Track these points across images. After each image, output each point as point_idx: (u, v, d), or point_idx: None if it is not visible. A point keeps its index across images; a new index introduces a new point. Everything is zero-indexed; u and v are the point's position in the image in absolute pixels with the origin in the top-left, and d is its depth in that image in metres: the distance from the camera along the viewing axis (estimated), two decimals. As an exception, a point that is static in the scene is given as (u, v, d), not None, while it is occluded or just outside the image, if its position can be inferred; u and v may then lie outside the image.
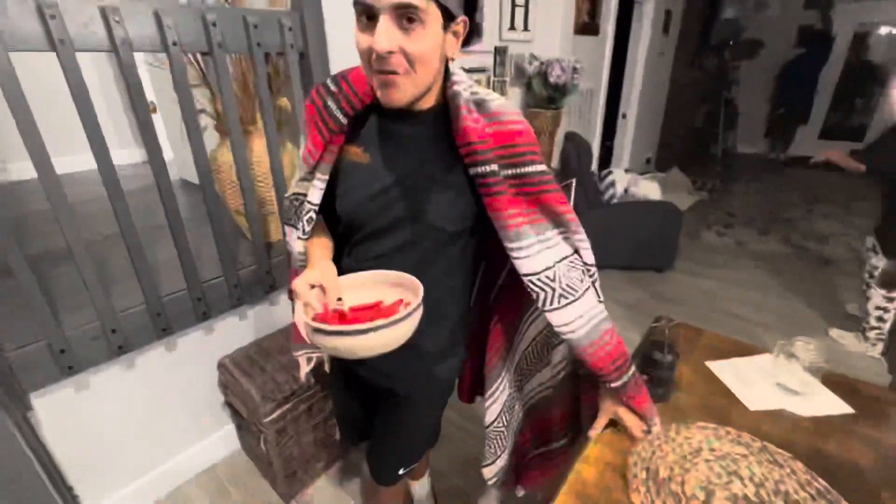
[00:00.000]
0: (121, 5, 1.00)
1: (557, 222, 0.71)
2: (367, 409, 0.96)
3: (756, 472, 0.70)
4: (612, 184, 2.87)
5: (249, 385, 1.29)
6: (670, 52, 4.58)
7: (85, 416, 1.22)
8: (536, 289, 0.69)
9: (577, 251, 0.74)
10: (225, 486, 1.48)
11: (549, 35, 2.64)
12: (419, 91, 0.62)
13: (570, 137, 2.82)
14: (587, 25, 2.95)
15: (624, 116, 4.26)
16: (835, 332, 2.16)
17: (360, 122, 0.72)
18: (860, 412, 0.83)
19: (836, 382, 0.90)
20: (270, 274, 1.51)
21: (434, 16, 0.56)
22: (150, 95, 2.25)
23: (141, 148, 3.46)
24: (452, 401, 0.97)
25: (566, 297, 0.70)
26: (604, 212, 2.70)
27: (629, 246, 2.67)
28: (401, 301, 0.68)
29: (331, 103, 0.68)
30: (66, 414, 1.18)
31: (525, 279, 0.69)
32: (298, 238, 0.77)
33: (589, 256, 0.74)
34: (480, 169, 0.65)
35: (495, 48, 2.33)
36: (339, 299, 0.67)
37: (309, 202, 0.74)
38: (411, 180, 0.69)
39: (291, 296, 0.85)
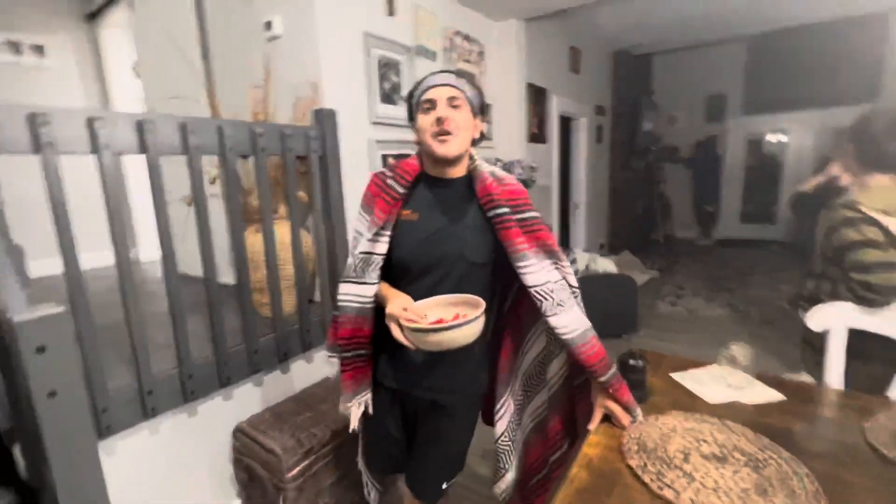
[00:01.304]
0: (189, 121, 1.31)
1: (549, 253, 1.00)
2: (408, 433, 1.12)
3: (718, 438, 0.91)
4: (575, 261, 3.27)
5: (271, 442, 1.37)
6: (605, 157, 5.45)
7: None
8: (540, 297, 0.94)
9: (564, 278, 1.01)
10: (232, 567, 1.43)
11: (508, 142, 3.22)
12: (462, 149, 0.94)
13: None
14: (536, 135, 3.60)
15: (576, 208, 4.89)
16: (786, 375, 2.44)
17: (409, 194, 1.01)
18: (789, 397, 1.07)
19: (769, 379, 1.15)
20: (286, 342, 1.65)
21: (467, 106, 0.94)
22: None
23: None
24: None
25: (561, 306, 0.95)
26: (570, 285, 3.04)
27: (596, 315, 2.94)
28: (462, 315, 0.91)
29: (391, 181, 0.98)
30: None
31: (531, 290, 0.94)
32: (369, 284, 0.98)
33: (573, 281, 1.02)
34: (498, 211, 0.95)
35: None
36: (424, 316, 0.90)
37: (378, 254, 0.97)
38: (448, 227, 0.98)
39: (344, 349, 1.05)
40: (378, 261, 0.98)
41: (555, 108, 3.89)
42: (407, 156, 1.05)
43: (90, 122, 1.12)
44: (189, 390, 1.37)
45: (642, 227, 6.37)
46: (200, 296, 1.44)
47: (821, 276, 1.34)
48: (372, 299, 0.99)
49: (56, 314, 0.76)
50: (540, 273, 0.95)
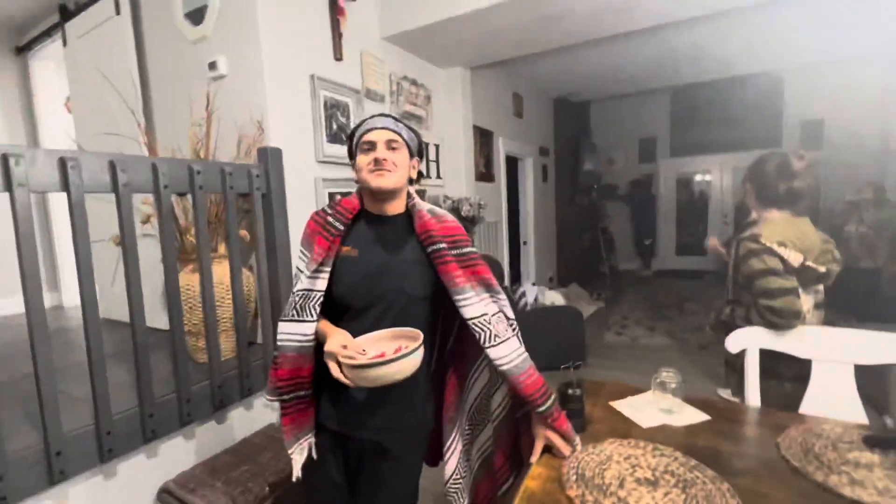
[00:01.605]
0: (119, 158, 1.27)
1: (487, 287, 1.03)
2: (350, 477, 1.08)
3: (651, 462, 0.95)
4: (524, 294, 3.35)
5: (200, 502, 1.25)
6: (551, 194, 5.75)
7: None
8: (478, 329, 0.96)
9: (502, 310, 1.04)
10: None
11: (457, 181, 3.33)
12: (398, 185, 0.99)
13: (484, 259, 3.33)
14: (484, 174, 3.75)
15: (525, 243, 5.07)
16: (720, 391, 2.58)
17: (349, 231, 1.03)
18: (714, 418, 1.14)
19: (696, 402, 1.22)
20: (222, 389, 1.55)
21: (404, 149, 1.01)
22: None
23: (48, 292, 3.30)
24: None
25: (498, 338, 0.97)
26: (520, 317, 3.10)
27: (545, 347, 3.02)
28: (401, 347, 0.92)
29: (331, 219, 1.00)
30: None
31: (469, 322, 0.96)
32: (308, 321, 0.97)
33: (510, 313, 1.05)
34: (436, 246, 0.98)
35: (416, 191, 2.88)
36: (363, 351, 0.90)
37: (318, 290, 0.98)
38: (388, 263, 1.00)
39: (282, 391, 1.01)
40: (318, 297, 0.97)
41: (501, 148, 4.09)
42: (350, 194, 1.07)
43: (4, 159, 1.05)
44: (106, 448, 1.24)
45: (588, 260, 6.68)
46: (128, 343, 1.34)
47: (735, 303, 1.47)
48: (312, 337, 0.98)
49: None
50: (477, 306, 0.98)
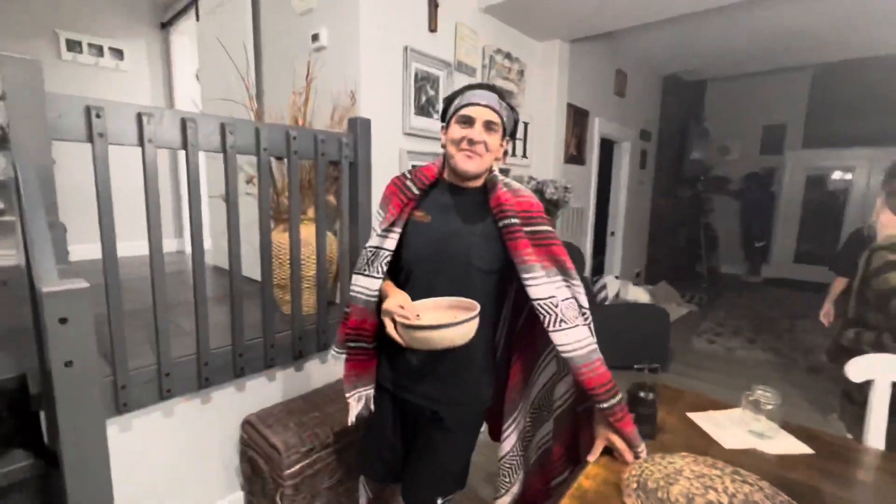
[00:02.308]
0: (228, 121, 1.39)
1: (561, 270, 0.97)
2: (406, 442, 1.12)
3: (729, 487, 0.84)
4: (604, 287, 3.16)
5: (275, 437, 1.39)
6: (648, 183, 5.28)
7: (118, 461, 1.30)
8: (542, 311, 0.91)
9: (575, 297, 0.98)
10: (227, 557, 1.45)
11: (544, 162, 3.19)
12: (484, 168, 0.98)
13: (565, 245, 3.19)
14: (574, 157, 3.55)
15: (612, 234, 4.75)
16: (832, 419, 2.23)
17: (423, 197, 1.04)
18: (818, 452, 0.98)
19: (797, 430, 1.05)
20: (302, 340, 1.69)
21: (500, 130, 0.98)
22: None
23: (174, 238, 3.84)
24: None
25: (565, 323, 0.91)
26: (597, 311, 2.93)
27: (622, 347, 2.83)
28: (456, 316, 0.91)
29: (409, 183, 1.03)
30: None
31: (534, 302, 0.92)
32: (375, 278, 1.02)
33: (584, 301, 0.98)
34: (508, 221, 0.95)
35: (500, 169, 2.82)
36: (418, 315, 0.92)
37: (386, 249, 1.02)
38: (458, 232, 1.00)
39: (348, 339, 1.08)
40: (385, 256, 1.01)
41: (596, 130, 3.83)
42: (431, 164, 1.08)
43: (139, 117, 1.21)
44: (204, 377, 1.42)
45: (684, 259, 6.09)
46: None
47: (862, 325, 1.23)
48: (376, 293, 1.02)
49: (79, 289, 0.81)
50: (546, 287, 0.93)
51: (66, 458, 0.83)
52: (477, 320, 0.87)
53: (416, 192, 1.01)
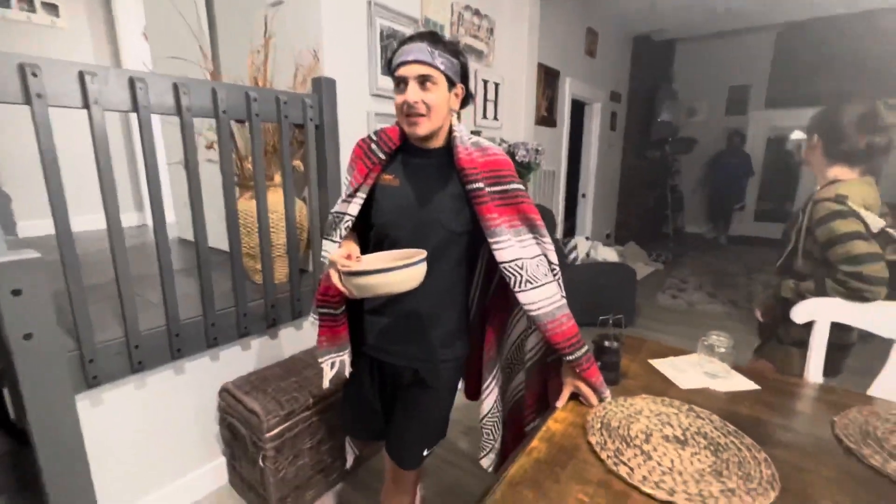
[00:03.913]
0: (182, 81, 1.31)
1: (531, 227, 0.99)
2: (385, 402, 1.15)
3: (683, 422, 0.91)
4: (575, 247, 3.24)
5: (253, 402, 1.40)
6: (618, 145, 5.34)
7: (92, 435, 1.29)
8: (509, 274, 0.94)
9: (545, 254, 1.00)
10: (213, 518, 1.49)
11: (515, 124, 3.16)
12: (434, 127, 0.94)
13: (537, 208, 3.23)
14: (545, 119, 3.54)
15: (583, 196, 4.83)
16: None
17: (390, 160, 1.02)
18: (764, 388, 1.06)
19: (747, 371, 1.14)
20: (275, 308, 1.68)
21: (441, 82, 0.91)
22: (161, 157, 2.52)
23: (135, 212, 3.67)
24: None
25: (531, 283, 0.94)
26: (568, 271, 3.02)
27: (591, 304, 2.95)
28: None
29: (374, 147, 1.00)
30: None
31: (501, 266, 0.94)
32: (335, 242, 1.00)
33: (553, 258, 1.01)
34: (473, 185, 0.94)
35: (471, 131, 2.78)
36: (359, 258, 0.92)
37: (349, 214, 1.00)
38: (427, 195, 0.98)
39: (318, 305, 1.07)
40: (348, 221, 1.00)
41: (567, 91, 3.81)
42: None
43: (81, 76, 1.12)
44: (175, 348, 1.40)
45: (652, 220, 6.28)
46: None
47: (801, 276, 1.32)
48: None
49: (31, 259, 0.78)
50: (511, 250, 0.95)
51: (36, 434, 0.82)
52: (422, 266, 0.84)
53: (382, 156, 0.99)
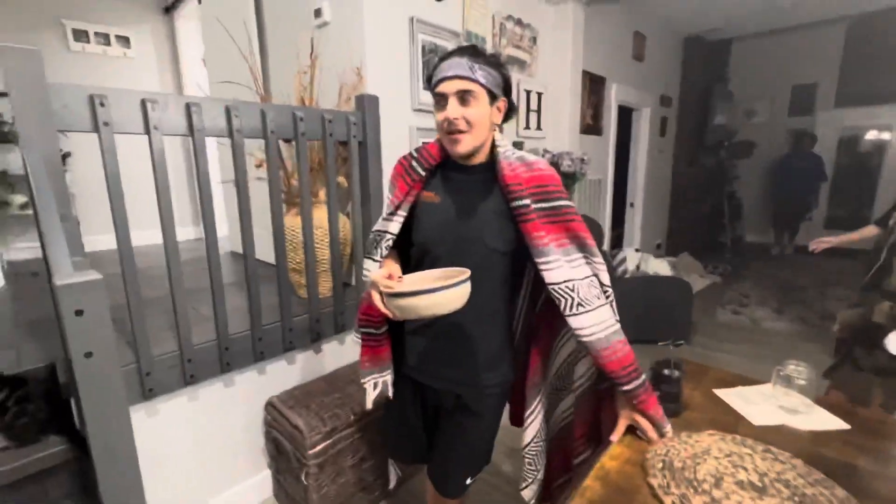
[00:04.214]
0: (233, 104, 1.36)
1: (581, 247, 0.93)
2: (428, 425, 1.12)
3: (759, 465, 0.81)
4: (624, 260, 3.08)
5: (297, 418, 1.41)
6: (669, 151, 5.08)
7: (146, 445, 1.34)
8: (558, 296, 0.88)
9: (596, 275, 0.94)
10: (258, 532, 1.51)
11: (559, 133, 3.08)
12: (476, 144, 0.91)
13: (582, 219, 3.11)
14: (591, 126, 3.42)
15: (632, 205, 4.62)
16: None
17: (431, 177, 0.99)
18: (855, 427, 0.93)
19: (832, 405, 1.01)
20: (319, 323, 1.70)
21: (482, 96, 0.87)
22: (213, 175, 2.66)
23: (192, 226, 3.89)
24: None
25: (583, 307, 0.88)
26: (617, 285, 2.87)
27: (643, 320, 2.78)
28: None
29: (414, 164, 0.98)
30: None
31: (550, 287, 0.88)
32: (376, 261, 0.99)
33: (606, 279, 0.94)
34: (519, 202, 0.90)
35: (513, 143, 2.74)
36: (401, 278, 0.90)
37: (389, 233, 0.98)
38: (469, 212, 0.95)
39: (360, 324, 1.06)
40: (389, 239, 0.98)
41: (613, 97, 3.67)
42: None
43: (143, 104, 1.19)
44: (225, 361, 1.44)
45: (707, 229, 5.90)
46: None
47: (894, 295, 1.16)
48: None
49: (93, 280, 0.81)
50: (560, 271, 0.89)
51: (94, 444, 0.85)
52: (467, 286, 0.81)
53: (423, 173, 0.96)
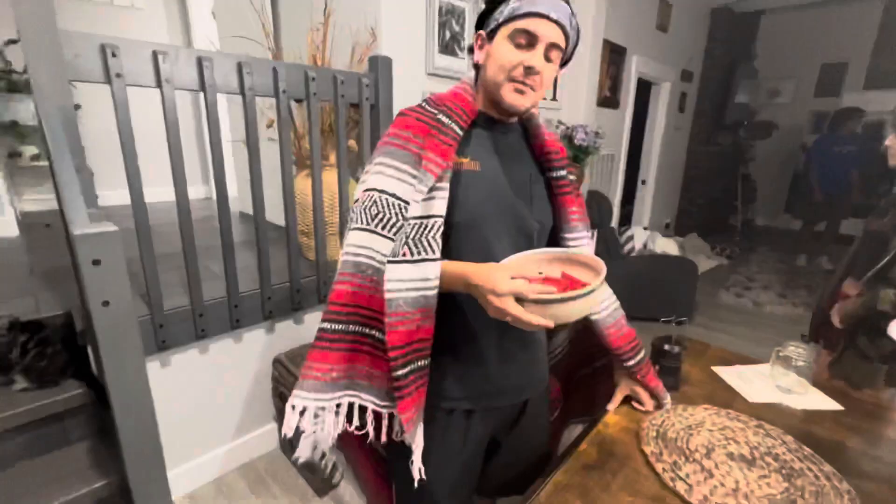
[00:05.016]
0: (245, 60, 1.34)
1: (586, 225, 0.89)
2: (488, 455, 0.91)
3: (751, 439, 0.83)
4: (631, 238, 3.07)
5: (304, 376, 1.46)
6: (686, 128, 4.96)
7: (160, 394, 1.40)
8: None
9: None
10: (265, 478, 1.59)
11: (575, 105, 3.00)
12: (535, 103, 0.77)
13: (593, 195, 3.08)
14: (608, 99, 3.33)
15: (644, 182, 4.55)
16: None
17: (465, 138, 0.78)
18: (848, 409, 0.95)
19: (828, 387, 1.03)
20: (326, 285, 1.72)
21: (559, 57, 0.74)
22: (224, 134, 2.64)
23: (202, 185, 3.90)
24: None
25: None
26: (623, 263, 2.88)
27: (648, 298, 2.80)
28: (566, 274, 0.74)
29: (443, 118, 0.74)
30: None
31: None
32: (430, 261, 0.69)
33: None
34: (558, 172, 0.84)
35: (527, 113, 2.68)
36: (541, 273, 0.74)
37: (437, 216, 0.71)
38: (517, 181, 0.80)
39: (402, 360, 0.68)
40: (438, 226, 0.70)
41: (633, 69, 3.55)
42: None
43: (154, 56, 1.17)
44: (235, 318, 1.48)
45: (718, 210, 5.82)
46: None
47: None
48: (436, 282, 0.69)
49: (110, 231, 0.83)
50: (587, 248, 0.86)
51: (112, 391, 0.89)
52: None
53: (461, 132, 0.74)
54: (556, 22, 0.69)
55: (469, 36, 2.12)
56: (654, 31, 3.75)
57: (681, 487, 0.71)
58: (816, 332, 1.47)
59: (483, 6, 0.78)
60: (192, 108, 3.74)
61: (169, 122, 1.22)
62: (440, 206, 0.72)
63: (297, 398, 0.72)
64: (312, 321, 1.77)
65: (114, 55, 1.10)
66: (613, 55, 3.24)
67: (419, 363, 0.71)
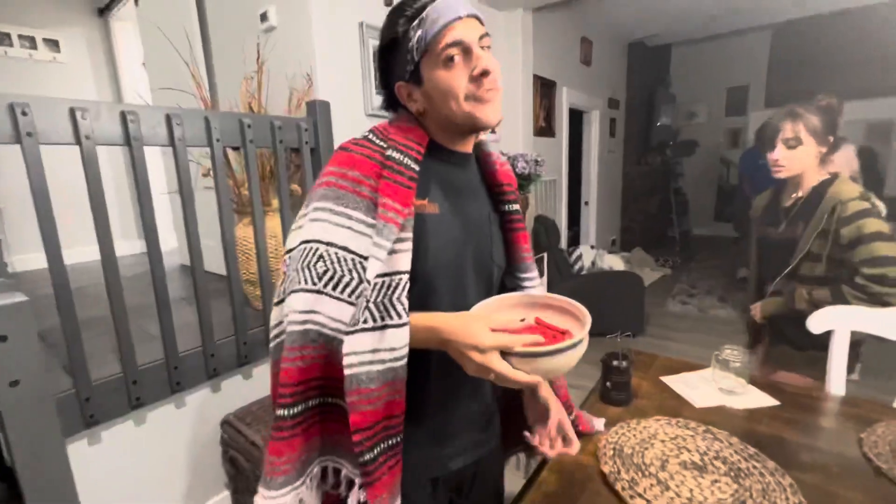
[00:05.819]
0: (174, 112, 1.31)
1: (534, 261, 0.87)
2: None
3: (700, 445, 0.86)
4: (580, 257, 3.20)
5: (255, 434, 1.36)
6: (619, 151, 5.32)
7: (90, 476, 1.26)
8: None
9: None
10: (217, 556, 1.45)
11: (513, 136, 3.16)
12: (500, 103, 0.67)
13: (539, 219, 3.20)
14: (544, 129, 3.53)
15: (587, 203, 4.80)
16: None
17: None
18: (784, 403, 1.01)
19: (765, 385, 1.09)
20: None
21: (490, 41, 0.65)
22: (161, 185, 2.53)
23: (138, 240, 3.68)
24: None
25: None
26: (574, 281, 2.98)
27: (600, 313, 2.89)
28: (541, 320, 0.67)
29: (395, 154, 0.63)
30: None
31: None
32: (398, 326, 0.58)
33: None
34: (511, 206, 0.77)
35: (469, 147, 2.78)
36: (523, 320, 0.66)
37: (402, 272, 0.60)
38: (474, 223, 0.71)
39: (370, 441, 0.58)
40: (404, 284, 0.60)
41: (564, 100, 3.80)
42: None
43: (72, 112, 1.12)
44: (175, 381, 1.37)
45: (657, 224, 6.22)
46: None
47: (813, 279, 1.27)
48: (405, 351, 0.59)
49: (17, 303, 0.76)
50: (540, 289, 0.81)
51: (24, 480, 0.79)
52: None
53: (416, 168, 0.64)
54: (470, 16, 0.62)
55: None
56: (580, 65, 4.06)
57: (639, 504, 0.72)
58: (755, 335, 1.57)
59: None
60: (126, 157, 3.58)
61: (90, 178, 1.16)
62: (405, 260, 0.61)
63: (268, 500, 0.58)
64: (262, 374, 1.68)
65: (24, 113, 1.04)
66: (544, 88, 3.46)
67: (390, 441, 0.61)
